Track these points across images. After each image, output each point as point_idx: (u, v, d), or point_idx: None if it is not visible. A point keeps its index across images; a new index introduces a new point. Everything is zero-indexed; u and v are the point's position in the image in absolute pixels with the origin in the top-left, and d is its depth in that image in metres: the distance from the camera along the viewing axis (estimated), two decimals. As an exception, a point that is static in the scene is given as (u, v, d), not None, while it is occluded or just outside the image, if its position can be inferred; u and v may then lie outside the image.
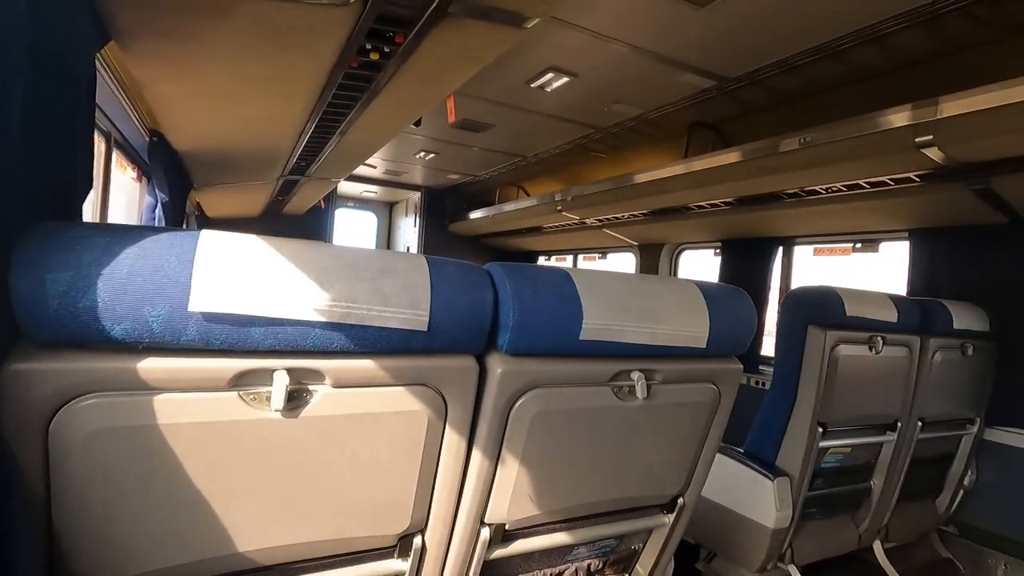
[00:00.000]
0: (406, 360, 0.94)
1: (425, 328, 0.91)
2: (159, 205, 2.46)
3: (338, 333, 0.86)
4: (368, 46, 1.50)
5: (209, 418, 0.83)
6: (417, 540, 1.08)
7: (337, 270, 0.85)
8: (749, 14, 2.18)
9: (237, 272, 0.79)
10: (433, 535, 1.10)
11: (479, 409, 1.04)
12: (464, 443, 1.04)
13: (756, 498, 2.08)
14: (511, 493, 1.12)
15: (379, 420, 0.95)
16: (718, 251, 4.18)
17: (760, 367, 3.75)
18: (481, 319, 0.97)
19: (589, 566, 1.43)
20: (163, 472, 0.83)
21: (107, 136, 2.40)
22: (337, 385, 0.90)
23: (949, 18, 2.09)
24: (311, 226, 5.88)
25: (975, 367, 2.46)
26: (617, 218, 4.21)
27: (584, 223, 4.60)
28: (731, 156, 2.79)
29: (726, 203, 3.30)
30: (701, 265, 4.89)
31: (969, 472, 2.63)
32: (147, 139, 2.33)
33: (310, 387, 0.88)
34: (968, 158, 2.08)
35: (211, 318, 0.78)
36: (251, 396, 0.84)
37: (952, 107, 1.93)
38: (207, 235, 0.80)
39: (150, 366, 0.77)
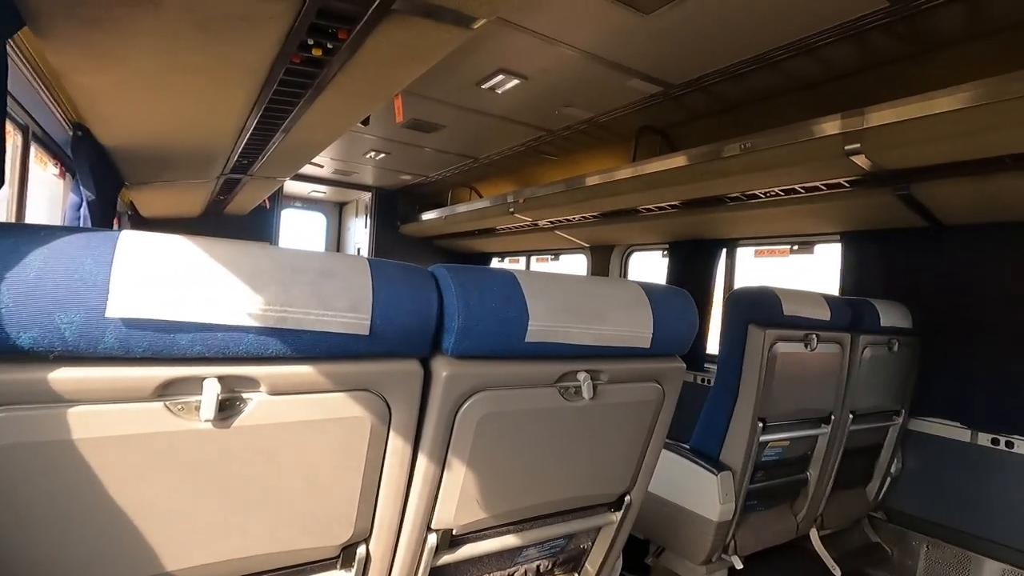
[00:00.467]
0: (347, 365, 0.91)
1: (367, 332, 0.89)
2: (85, 204, 2.30)
3: (273, 338, 0.83)
4: (310, 41, 1.46)
5: (132, 430, 0.78)
6: (361, 549, 1.05)
7: (272, 272, 0.82)
8: (691, 23, 2.24)
9: (161, 275, 0.74)
10: (378, 544, 1.07)
11: (424, 413, 1.02)
12: (409, 448, 1.02)
13: (701, 492, 2.14)
14: (458, 498, 1.10)
15: (319, 428, 0.91)
16: (666, 253, 4.29)
17: (706, 365, 3.87)
18: (425, 322, 0.96)
19: (539, 567, 1.44)
20: (83, 490, 0.77)
21: (24, 129, 2.23)
22: (273, 392, 0.86)
23: (873, 33, 2.22)
24: (255, 227, 5.67)
25: (900, 362, 2.62)
26: (569, 220, 4.26)
27: (536, 225, 4.63)
28: (677, 160, 2.87)
29: (673, 206, 3.40)
30: (650, 267, 5.02)
31: (895, 461, 2.80)
32: (70, 133, 2.18)
33: (244, 395, 0.84)
34: (892, 165, 2.22)
35: (132, 324, 0.73)
36: (179, 406, 0.80)
37: (877, 117, 2.05)
38: (127, 235, 0.75)
39: (63, 376, 0.72)
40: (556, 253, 5.60)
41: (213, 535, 0.90)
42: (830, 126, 2.20)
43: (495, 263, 6.59)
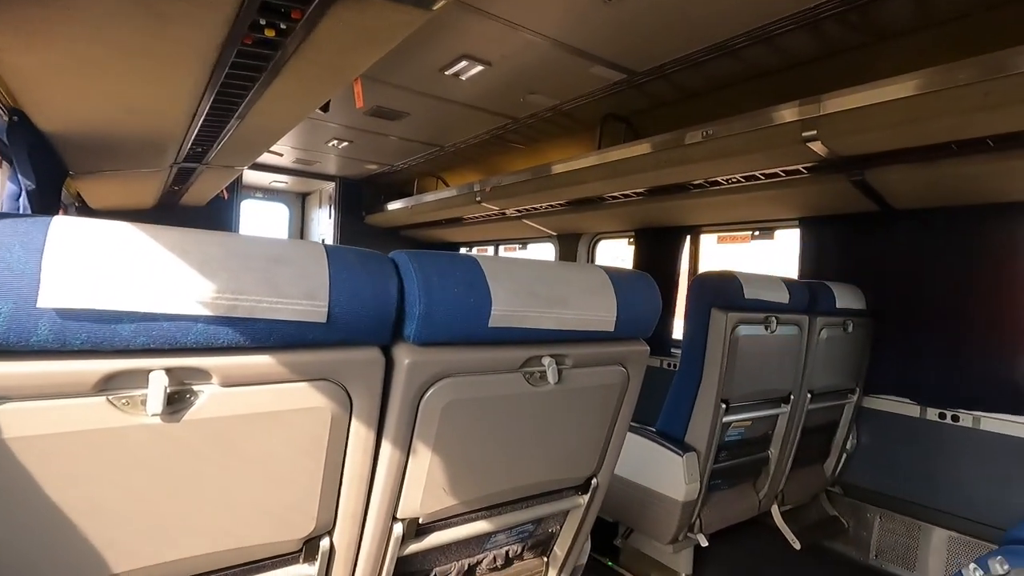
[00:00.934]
0: (305, 354, 0.89)
1: (324, 320, 0.86)
2: (24, 193, 2.18)
3: (224, 327, 0.79)
4: (262, 21, 1.40)
5: (72, 427, 0.74)
6: (324, 542, 1.03)
7: (221, 259, 0.79)
8: (652, 10, 2.25)
9: (99, 262, 0.70)
10: (342, 535, 1.05)
11: (387, 402, 1.00)
12: (372, 437, 1.00)
13: (667, 474, 2.18)
14: (424, 486, 1.09)
15: (277, 419, 0.89)
16: (632, 240, 4.33)
17: (672, 350, 3.94)
18: (385, 309, 0.94)
19: (507, 552, 1.44)
20: (20, 491, 0.73)
21: (-46, 114, 2.09)
22: (226, 384, 0.83)
23: (828, 23, 2.27)
24: (214, 218, 5.48)
25: (855, 342, 2.72)
26: (536, 208, 4.26)
27: (504, 214, 4.61)
28: (641, 148, 2.89)
29: (638, 193, 3.42)
30: (617, 254, 5.07)
31: (851, 437, 2.92)
32: (6, 118, 2.05)
33: (194, 387, 0.81)
34: (846, 152, 2.28)
35: (67, 315, 0.69)
36: (123, 400, 0.76)
37: (832, 105, 2.10)
38: (60, 221, 0.70)
39: None
40: (524, 242, 5.60)
41: (165, 533, 0.86)
42: (788, 113, 2.24)
43: (463, 252, 6.54)
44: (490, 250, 6.16)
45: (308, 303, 0.84)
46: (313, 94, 1.97)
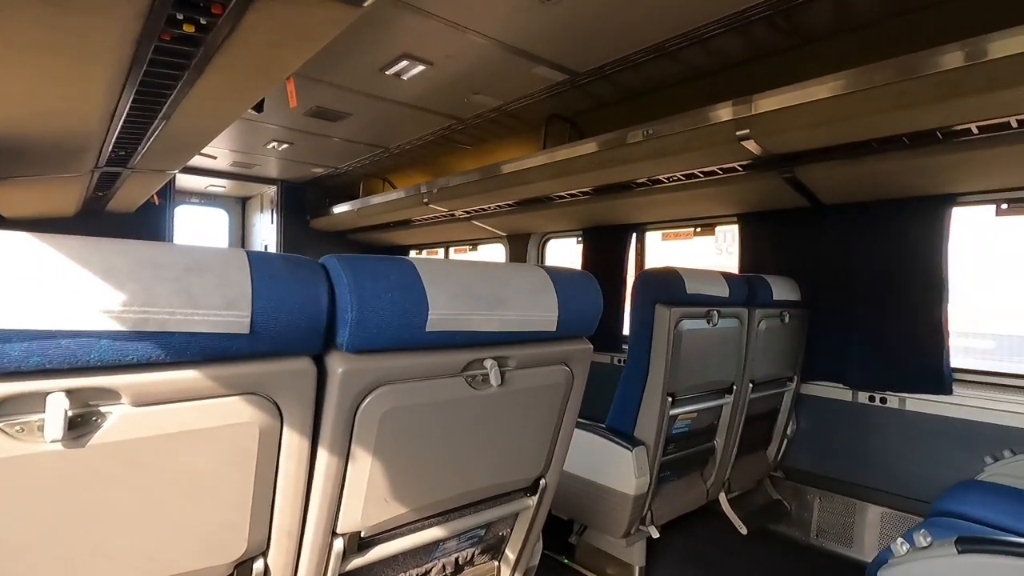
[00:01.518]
0: (227, 367, 0.84)
1: (247, 330, 0.82)
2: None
3: (134, 343, 0.74)
4: (179, 15, 1.32)
5: None
6: (258, 564, 0.98)
7: (128, 269, 0.73)
8: (589, 11, 2.28)
9: (-19, 276, 0.64)
10: (277, 555, 1.00)
11: (321, 413, 0.96)
12: (306, 451, 0.96)
13: (617, 469, 2.21)
14: (364, 498, 1.06)
15: (199, 437, 0.84)
16: (580, 239, 4.38)
17: (623, 346, 4.01)
18: (315, 316, 0.90)
19: (457, 559, 1.42)
20: None
21: None
22: (139, 403, 0.77)
23: (756, 26, 2.36)
24: (144, 226, 5.17)
25: (791, 332, 2.84)
26: (484, 209, 4.24)
27: (453, 215, 4.57)
28: (586, 147, 2.92)
29: (585, 193, 3.46)
30: (566, 253, 5.12)
31: (790, 423, 3.05)
32: None
33: (101, 409, 0.75)
34: (778, 150, 2.37)
35: None
36: (16, 427, 0.69)
37: (763, 104, 2.18)
38: None
39: None
40: (474, 243, 5.57)
41: (78, 566, 0.80)
42: (723, 113, 2.32)
43: (413, 255, 6.46)
44: (440, 252, 6.10)
45: (229, 313, 0.80)
46: (243, 93, 1.88)
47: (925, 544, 1.51)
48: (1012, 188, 2.41)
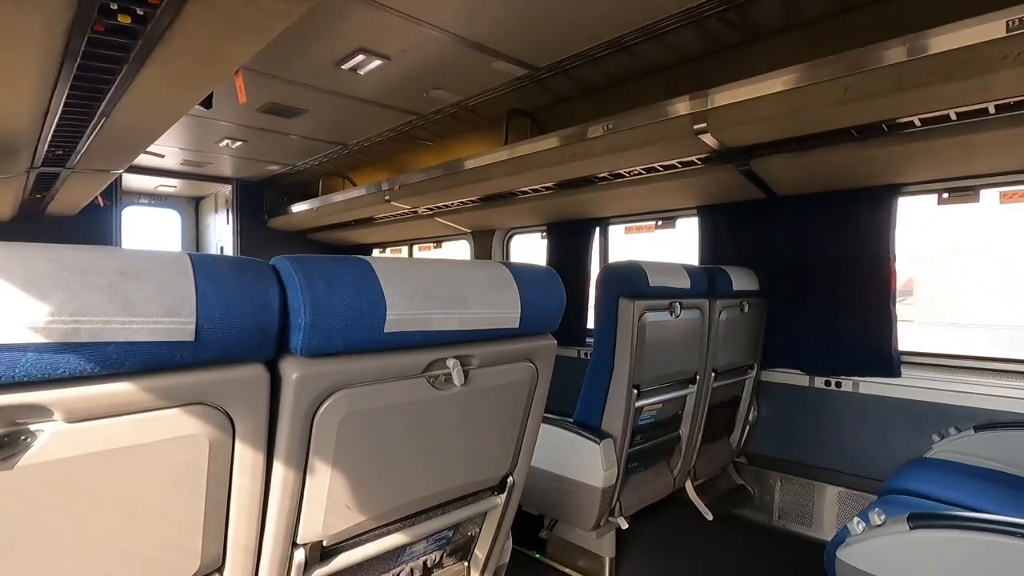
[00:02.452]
0: (171, 377, 0.79)
1: (192, 337, 0.78)
2: None
3: (65, 355, 0.69)
4: (113, 6, 1.25)
5: None
6: None
7: (54, 276, 0.68)
8: (544, 5, 2.26)
9: None
10: (234, 571, 0.96)
11: (276, 421, 0.92)
12: (261, 461, 0.92)
13: (585, 462, 2.22)
14: (325, 507, 1.02)
15: (142, 453, 0.79)
16: (544, 234, 4.39)
17: (589, 340, 4.04)
18: (266, 321, 0.86)
19: (425, 562, 1.39)
20: None
21: None
22: (73, 419, 0.72)
23: (710, 21, 2.40)
24: (89, 229, 4.92)
25: (751, 321, 2.91)
26: (447, 206, 4.20)
27: (416, 212, 4.51)
28: (547, 142, 2.92)
29: (547, 188, 3.47)
30: (533, 248, 5.12)
31: (752, 409, 3.13)
32: None
33: (31, 427, 0.70)
34: (734, 143, 2.42)
35: None
36: None
37: (719, 98, 2.22)
38: None
39: None
40: (438, 240, 5.51)
41: (10, 598, 0.74)
42: (680, 107, 2.35)
43: (376, 254, 6.35)
44: (404, 250, 6.02)
45: (170, 320, 0.75)
46: (188, 88, 1.80)
47: (879, 522, 1.57)
48: (952, 178, 2.52)
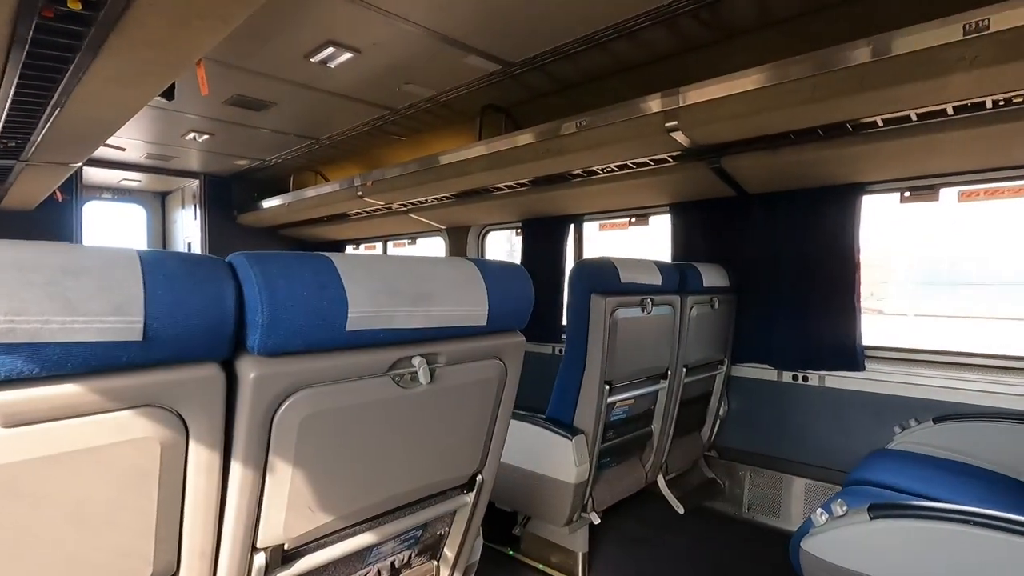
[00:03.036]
0: (119, 379, 0.76)
1: (140, 337, 0.75)
2: None
3: (1, 357, 0.65)
4: (61, -10, 1.20)
5: None
6: None
7: None
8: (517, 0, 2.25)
9: None
10: (190, 577, 0.93)
11: (233, 422, 0.90)
12: (217, 464, 0.89)
13: (558, 458, 2.23)
14: (286, 508, 1.00)
15: (88, 457, 0.76)
16: (519, 231, 4.38)
17: (563, 337, 4.05)
18: (220, 319, 0.83)
19: (393, 562, 1.38)
20: None
21: None
22: (11, 424, 0.69)
23: (683, 19, 2.41)
24: (48, 225, 4.73)
25: (721, 317, 2.95)
26: (422, 202, 4.16)
27: (390, 208, 4.46)
28: (521, 138, 2.91)
29: (522, 184, 3.46)
30: (510, 246, 5.11)
31: (722, 404, 3.18)
32: None
33: None
34: (704, 141, 2.45)
35: None
36: None
37: (690, 96, 2.24)
38: None
39: None
40: (413, 237, 5.46)
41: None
42: (653, 104, 2.36)
43: (350, 250, 6.27)
44: (378, 247, 5.95)
45: (117, 319, 0.72)
46: (146, 78, 1.74)
47: (841, 513, 1.61)
48: (913, 177, 2.59)
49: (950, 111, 1.91)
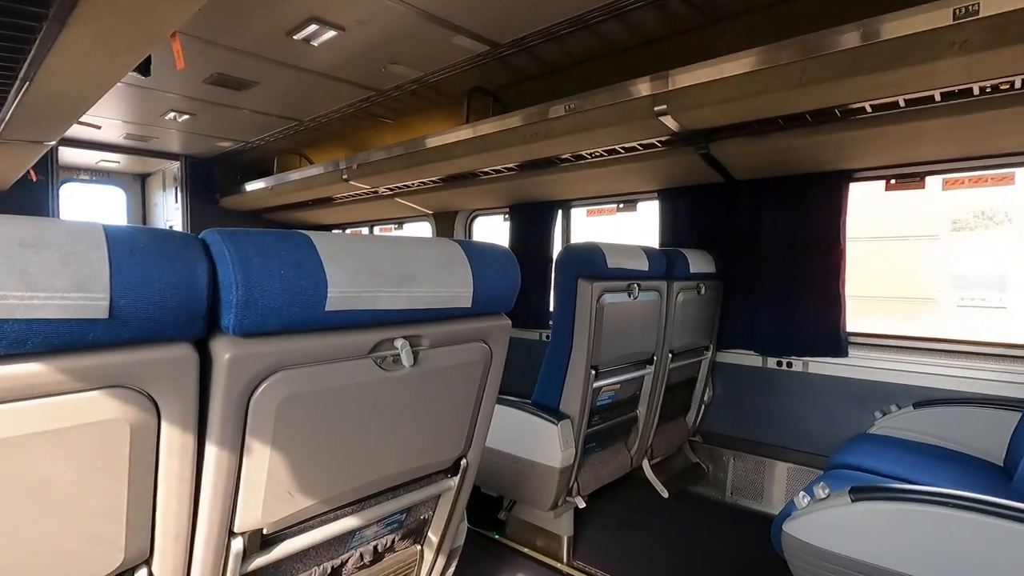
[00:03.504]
0: (85, 358, 0.73)
1: (106, 315, 0.71)
2: None
3: None
4: (24, -46, 1.14)
5: None
6: (140, 574, 0.89)
7: None
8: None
9: None
10: (164, 563, 0.91)
11: (207, 403, 0.87)
12: (191, 446, 0.87)
13: (544, 443, 2.23)
14: (264, 493, 0.98)
15: (53, 439, 0.73)
16: (507, 216, 4.35)
17: (551, 322, 4.04)
18: (193, 297, 0.80)
19: (376, 547, 1.36)
20: None
21: None
22: None
23: (671, 1, 2.38)
24: (22, 206, 4.60)
25: (707, 303, 2.96)
26: (408, 186, 4.10)
27: (376, 192, 4.39)
28: (510, 121, 2.87)
29: (510, 169, 3.42)
30: (496, 230, 5.06)
31: (707, 389, 3.20)
32: None
33: None
34: (693, 126, 2.42)
35: None
36: None
37: (679, 80, 2.21)
38: None
39: None
40: (400, 221, 5.40)
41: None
42: (642, 88, 2.33)
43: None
44: (365, 231, 5.88)
45: (80, 296, 0.69)
46: (118, 52, 1.67)
47: (823, 496, 1.62)
48: (899, 164, 2.60)
49: (937, 97, 1.91)
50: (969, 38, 1.59)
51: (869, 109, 2.07)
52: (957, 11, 1.60)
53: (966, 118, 1.96)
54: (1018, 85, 1.79)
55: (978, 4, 1.56)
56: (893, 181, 2.66)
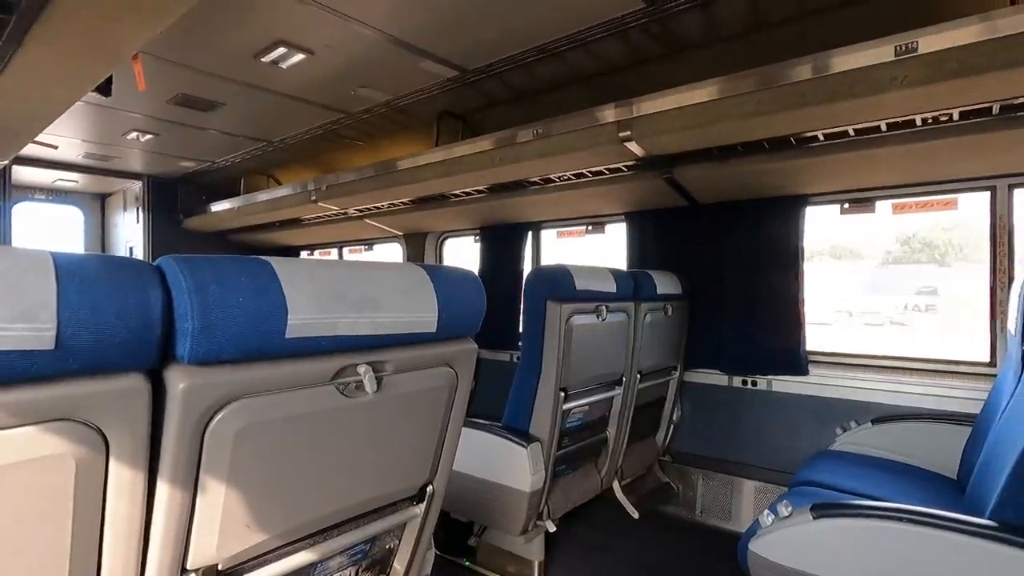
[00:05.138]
0: (28, 391, 0.70)
1: (52, 345, 0.69)
2: None
3: None
4: (-22, -26, 1.11)
5: None
6: None
7: None
8: (471, 7, 2.25)
9: None
10: (110, 605, 0.87)
11: (160, 436, 0.84)
12: (142, 481, 0.83)
13: (513, 467, 2.21)
14: (219, 527, 0.94)
15: None
16: (478, 238, 4.36)
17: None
18: (145, 326, 0.78)
19: (339, 580, 1.32)
20: None
21: None
22: None
23: (634, 32, 2.47)
24: None
25: (674, 323, 3.01)
26: (378, 207, 4.09)
27: (345, 214, 4.36)
28: (479, 145, 2.90)
29: (480, 191, 3.45)
30: (467, 252, 5.07)
31: (676, 409, 3.23)
32: None
33: None
34: (658, 151, 2.50)
35: None
36: None
37: (643, 107, 2.28)
38: None
39: None
40: (370, 243, 5.37)
41: None
42: (607, 114, 2.40)
43: (304, 256, 6.10)
44: (334, 253, 5.81)
45: (23, 327, 0.66)
46: (76, 72, 1.64)
47: (786, 513, 1.65)
48: (852, 190, 2.72)
49: (884, 128, 2.02)
50: (910, 73, 1.69)
51: (822, 138, 2.17)
52: (898, 47, 1.70)
53: (911, 147, 2.07)
54: (956, 117, 1.90)
55: (916, 43, 1.66)
56: (847, 206, 2.78)
